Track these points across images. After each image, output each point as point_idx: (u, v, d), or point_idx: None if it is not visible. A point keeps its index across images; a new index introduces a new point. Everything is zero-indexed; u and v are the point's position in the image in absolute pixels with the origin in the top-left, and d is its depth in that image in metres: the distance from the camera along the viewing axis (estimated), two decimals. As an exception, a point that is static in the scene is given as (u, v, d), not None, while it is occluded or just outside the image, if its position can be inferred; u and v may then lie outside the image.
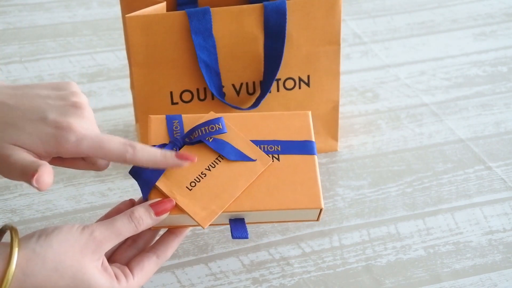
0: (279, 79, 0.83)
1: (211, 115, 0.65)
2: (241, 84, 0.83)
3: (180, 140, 0.63)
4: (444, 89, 1.03)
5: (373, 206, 0.80)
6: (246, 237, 0.60)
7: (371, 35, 1.18)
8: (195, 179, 0.61)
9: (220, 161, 0.62)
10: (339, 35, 0.82)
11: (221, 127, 0.63)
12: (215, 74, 0.81)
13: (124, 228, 0.57)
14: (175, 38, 0.78)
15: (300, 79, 0.84)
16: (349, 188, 0.83)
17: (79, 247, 0.54)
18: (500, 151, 0.89)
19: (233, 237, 0.60)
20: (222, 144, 0.63)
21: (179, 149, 0.62)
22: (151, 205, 0.58)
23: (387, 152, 0.89)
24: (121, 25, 1.23)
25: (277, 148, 0.64)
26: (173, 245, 0.62)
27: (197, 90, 0.82)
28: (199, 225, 0.59)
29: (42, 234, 0.54)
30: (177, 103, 0.82)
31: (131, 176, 0.81)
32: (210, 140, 0.63)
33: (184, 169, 0.61)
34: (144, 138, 0.84)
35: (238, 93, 0.83)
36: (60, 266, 0.52)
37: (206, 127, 0.63)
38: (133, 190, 0.83)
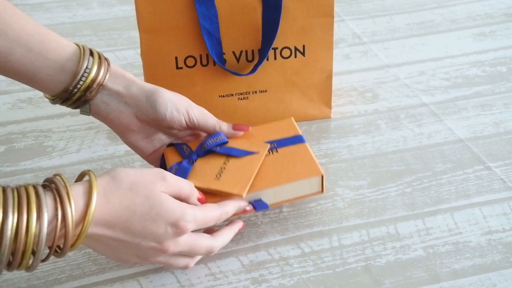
0: (276, 48, 0.89)
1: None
2: (241, 51, 0.89)
3: (194, 154, 0.75)
4: (444, 89, 1.03)
5: (372, 206, 0.81)
6: (267, 208, 0.72)
7: (371, 35, 1.18)
8: (218, 172, 0.72)
9: (230, 159, 0.74)
10: (333, 8, 0.88)
11: (222, 137, 0.76)
12: (217, 42, 0.87)
13: (185, 187, 0.65)
14: (180, 7, 0.85)
15: (296, 49, 0.90)
16: (348, 188, 0.83)
17: (149, 176, 0.62)
18: (500, 151, 0.89)
19: (257, 210, 0.71)
20: (229, 149, 0.75)
21: (195, 162, 0.74)
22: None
23: (386, 152, 0.90)
24: (120, 25, 1.23)
25: (274, 145, 0.76)
26: (230, 207, 0.69)
27: (200, 56, 0.88)
28: (238, 195, 0.69)
29: (117, 167, 0.63)
30: (181, 68, 0.89)
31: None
32: (218, 149, 0.75)
33: (205, 168, 0.73)
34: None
35: (238, 60, 0.89)
36: (134, 187, 0.61)
37: (212, 140, 0.75)
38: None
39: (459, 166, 0.87)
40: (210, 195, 0.70)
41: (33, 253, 0.55)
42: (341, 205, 0.81)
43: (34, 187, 0.57)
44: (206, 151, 0.75)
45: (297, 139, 0.77)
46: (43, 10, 1.26)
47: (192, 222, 0.63)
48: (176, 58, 0.88)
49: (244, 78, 0.90)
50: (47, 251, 0.58)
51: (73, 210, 0.56)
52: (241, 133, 0.77)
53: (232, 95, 0.91)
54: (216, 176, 0.72)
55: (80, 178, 0.63)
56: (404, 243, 0.75)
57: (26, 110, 0.99)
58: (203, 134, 0.79)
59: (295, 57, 0.90)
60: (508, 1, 1.28)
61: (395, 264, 0.73)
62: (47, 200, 0.56)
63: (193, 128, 0.76)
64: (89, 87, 0.70)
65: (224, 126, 0.76)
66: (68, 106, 0.72)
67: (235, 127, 0.77)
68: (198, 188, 0.70)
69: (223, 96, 0.91)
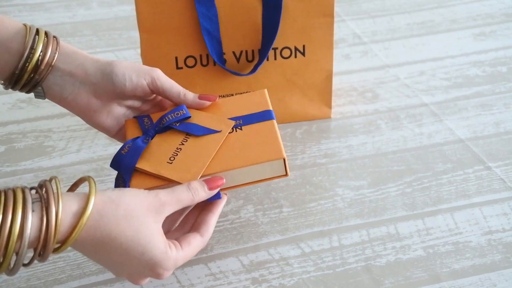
0: (276, 48, 0.89)
1: (172, 106, 0.73)
2: (241, 51, 0.89)
3: (151, 130, 0.70)
4: (444, 89, 1.03)
5: (372, 206, 0.81)
6: (219, 198, 0.67)
7: (371, 35, 1.18)
8: (172, 154, 0.68)
9: (189, 137, 0.69)
10: (333, 8, 0.88)
11: (184, 112, 0.70)
12: (217, 42, 0.87)
13: (184, 195, 0.62)
14: (180, 7, 0.85)
15: (296, 49, 0.90)
16: (348, 188, 0.83)
17: (146, 204, 0.59)
18: (500, 151, 0.89)
19: (208, 200, 0.66)
20: (189, 126, 0.70)
21: (152, 139, 0.70)
22: (205, 181, 0.65)
23: (386, 152, 0.90)
24: (120, 25, 1.23)
25: (239, 122, 0.71)
26: (212, 222, 0.67)
27: (200, 56, 0.88)
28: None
29: (116, 188, 0.61)
30: (181, 68, 0.89)
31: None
32: (177, 125, 0.70)
33: (161, 149, 0.68)
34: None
35: (238, 60, 0.89)
36: (129, 215, 0.58)
37: (172, 114, 0.70)
38: (132, 190, 0.83)
39: (459, 166, 0.87)
40: (160, 179, 0.66)
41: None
42: (341, 205, 0.81)
43: (23, 191, 0.54)
44: (165, 127, 0.70)
45: (265, 115, 0.71)
46: (43, 10, 1.26)
47: (171, 269, 0.62)
48: (176, 58, 0.88)
49: (244, 78, 0.90)
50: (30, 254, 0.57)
51: (58, 233, 0.54)
52: (208, 103, 0.72)
53: (232, 95, 0.91)
54: (170, 159, 0.67)
55: (78, 183, 0.62)
56: (404, 243, 0.75)
57: (26, 110, 0.99)
58: (168, 106, 0.75)
59: (295, 57, 0.90)
60: (508, 1, 1.28)
61: (395, 264, 0.73)
62: (33, 218, 0.54)
63: (157, 94, 0.71)
64: (37, 68, 0.66)
65: (189, 95, 0.72)
66: (20, 90, 0.68)
67: (201, 97, 0.72)
68: (148, 173, 0.66)
69: (223, 96, 0.91)
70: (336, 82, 1.03)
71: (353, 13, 1.25)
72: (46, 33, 0.67)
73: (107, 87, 0.69)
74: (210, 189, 0.64)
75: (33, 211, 0.54)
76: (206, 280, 0.71)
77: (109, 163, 0.87)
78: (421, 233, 0.76)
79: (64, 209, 0.55)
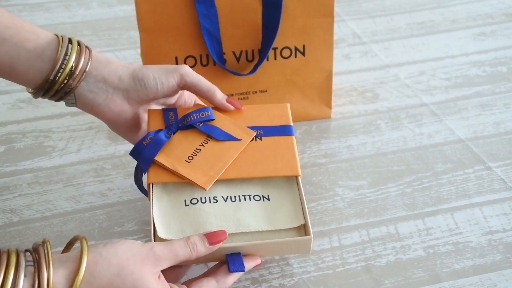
0: (276, 48, 0.89)
1: (198, 105, 0.75)
2: (241, 51, 0.89)
3: (174, 125, 0.71)
4: (444, 89, 1.03)
5: (372, 206, 0.80)
6: (243, 270, 0.63)
7: (371, 35, 1.18)
8: (192, 154, 0.69)
9: (210, 140, 0.70)
10: (333, 7, 0.88)
11: (209, 114, 0.72)
12: (217, 42, 0.87)
13: (181, 250, 0.60)
14: (180, 7, 0.85)
15: (296, 49, 0.90)
16: (348, 188, 0.83)
17: (140, 257, 0.58)
18: (500, 151, 0.89)
19: (230, 271, 0.63)
20: (212, 128, 0.71)
21: (174, 134, 0.70)
22: (205, 235, 0.62)
23: (386, 152, 0.89)
24: (120, 25, 1.23)
25: (260, 132, 0.72)
26: (234, 275, 0.64)
27: (200, 56, 0.88)
28: (201, 188, 0.66)
29: (108, 242, 0.58)
30: None
31: (130, 176, 0.81)
32: (201, 125, 0.71)
33: (181, 147, 0.69)
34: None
35: (238, 60, 0.89)
36: (122, 272, 0.56)
37: (197, 114, 0.71)
38: (132, 190, 0.83)
39: (459, 166, 0.87)
40: (176, 176, 0.67)
41: None
42: (341, 205, 0.81)
43: (17, 255, 0.54)
44: (188, 125, 0.71)
45: (285, 130, 0.73)
46: (43, 10, 1.26)
47: None
48: (176, 58, 0.88)
49: (244, 78, 0.90)
50: None
51: None
52: (232, 108, 0.73)
53: (232, 95, 0.91)
54: (188, 158, 0.68)
55: (73, 242, 0.61)
56: (404, 243, 0.75)
57: (26, 110, 0.99)
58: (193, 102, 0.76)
59: (295, 57, 0.90)
60: (508, 1, 1.28)
61: (395, 264, 0.72)
62: (25, 284, 0.53)
63: (187, 90, 0.72)
64: (71, 75, 0.66)
65: (218, 93, 0.72)
66: (51, 98, 0.68)
67: (228, 100, 0.73)
68: (165, 167, 0.67)
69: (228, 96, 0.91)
70: (336, 82, 1.03)
71: (353, 13, 1.25)
72: (78, 43, 0.69)
73: (140, 92, 0.70)
74: (211, 244, 0.62)
75: (25, 276, 0.53)
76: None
77: (109, 163, 0.88)
78: (421, 233, 0.76)
79: (56, 274, 0.54)
